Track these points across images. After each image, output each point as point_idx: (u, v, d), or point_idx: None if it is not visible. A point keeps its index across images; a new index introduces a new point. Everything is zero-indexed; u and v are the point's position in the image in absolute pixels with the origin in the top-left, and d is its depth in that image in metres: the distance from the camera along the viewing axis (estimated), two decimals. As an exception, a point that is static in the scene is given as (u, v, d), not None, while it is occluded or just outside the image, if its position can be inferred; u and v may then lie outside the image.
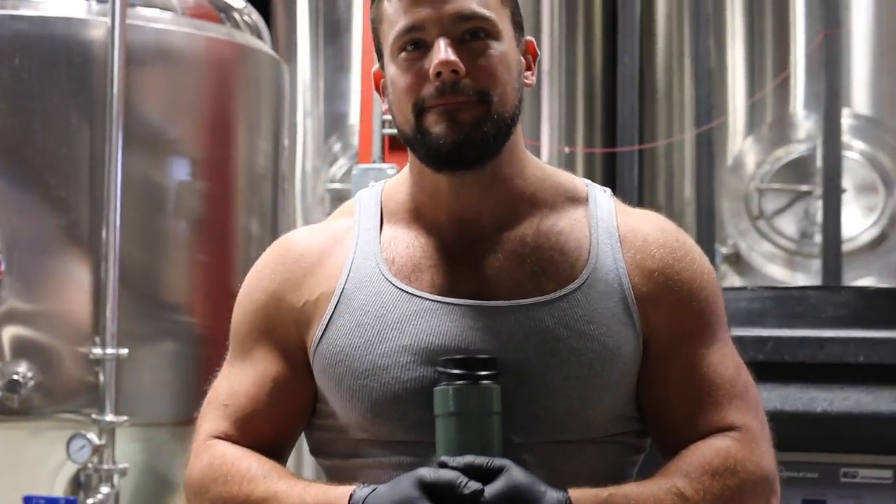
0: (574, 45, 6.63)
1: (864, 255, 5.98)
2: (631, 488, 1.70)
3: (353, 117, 6.16)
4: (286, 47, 6.39)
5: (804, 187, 6.08)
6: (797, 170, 6.13)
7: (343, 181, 6.05)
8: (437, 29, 1.73)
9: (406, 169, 1.88)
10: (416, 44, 1.75)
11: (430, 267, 1.80)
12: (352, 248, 1.84)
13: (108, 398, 3.87)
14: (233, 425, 1.83)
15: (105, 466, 3.86)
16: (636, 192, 5.90)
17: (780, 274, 6.13)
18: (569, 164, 6.52)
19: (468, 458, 1.62)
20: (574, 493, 1.65)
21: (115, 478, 3.88)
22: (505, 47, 1.76)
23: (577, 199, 1.85)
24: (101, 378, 3.88)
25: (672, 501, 1.68)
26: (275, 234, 4.72)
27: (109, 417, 3.85)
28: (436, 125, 1.72)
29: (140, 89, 4.09)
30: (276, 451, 1.83)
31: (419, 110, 1.74)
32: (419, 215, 1.84)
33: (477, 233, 1.81)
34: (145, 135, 4.12)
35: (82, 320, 3.97)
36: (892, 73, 6.01)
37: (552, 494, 1.63)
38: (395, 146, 4.71)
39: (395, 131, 4.63)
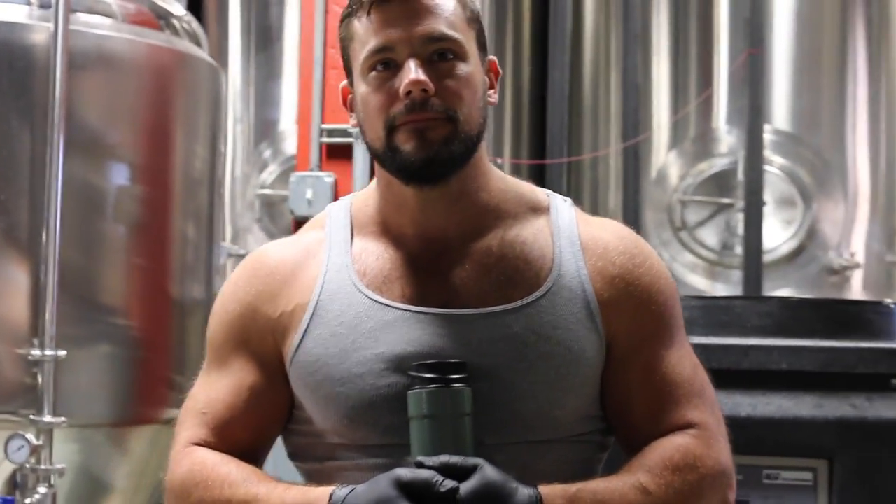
0: (502, 58, 6.71)
1: (782, 267, 6.12)
2: (597, 484, 1.77)
3: (284, 124, 6.21)
4: (217, 54, 6.42)
5: (726, 200, 6.21)
6: (719, 183, 6.26)
7: (273, 187, 6.10)
8: (406, 50, 1.80)
9: (374, 182, 1.93)
10: (385, 63, 1.81)
11: (399, 278, 1.85)
12: (324, 261, 1.89)
13: (46, 399, 3.88)
14: (211, 432, 1.87)
15: (42, 467, 3.87)
16: (563, 203, 6.00)
17: (701, 284, 6.26)
18: (496, 174, 6.61)
19: (443, 458, 1.69)
20: (544, 489, 1.72)
21: (53, 478, 3.89)
22: (471, 68, 1.83)
23: (539, 209, 1.91)
24: (40, 379, 3.88)
25: (636, 496, 1.76)
26: (211, 238, 4.77)
27: (47, 418, 3.86)
28: (406, 143, 1.79)
29: (81, 94, 4.11)
30: (253, 456, 1.87)
31: (390, 127, 1.80)
32: (387, 228, 1.90)
33: (444, 244, 1.87)
34: (85, 139, 4.14)
35: (21, 322, 3.98)
36: (812, 91, 6.16)
37: (523, 491, 1.70)
38: (332, 154, 4.79)
39: (333, 140, 4.74)
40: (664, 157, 6.32)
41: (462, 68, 1.82)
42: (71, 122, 4.03)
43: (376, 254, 1.89)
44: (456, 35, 1.83)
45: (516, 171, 6.73)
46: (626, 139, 6.16)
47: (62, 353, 3.93)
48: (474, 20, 1.88)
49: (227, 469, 1.82)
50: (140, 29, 4.40)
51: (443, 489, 1.66)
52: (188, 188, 4.59)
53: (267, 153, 6.22)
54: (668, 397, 1.85)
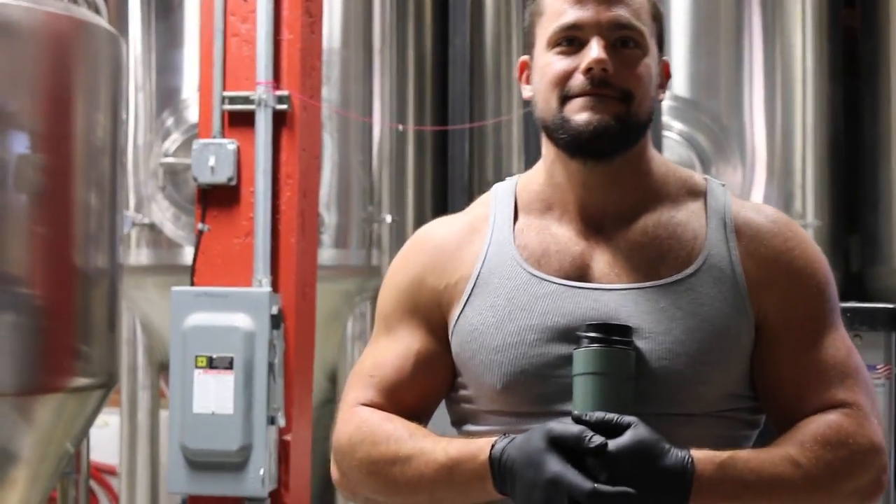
0: (405, 23, 6.74)
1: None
2: (749, 454, 1.83)
3: (186, 92, 6.17)
4: (117, 22, 6.36)
5: (626, 165, 6.30)
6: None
7: (177, 155, 6.06)
8: (594, 31, 1.89)
9: (540, 163, 2.02)
10: (570, 40, 1.90)
11: (557, 252, 1.94)
12: (488, 236, 1.99)
13: (-52, 369, 3.88)
14: (378, 393, 1.98)
15: (-54, 437, 3.87)
16: (466, 169, 6.05)
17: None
18: (400, 139, 6.64)
19: (599, 414, 1.76)
20: (696, 453, 1.77)
21: (-43, 448, 3.89)
22: (648, 60, 1.93)
23: (695, 193, 1.99)
24: (-58, 349, 3.88)
25: (786, 468, 1.81)
26: (114, 207, 4.76)
27: (-49, 388, 3.86)
28: (578, 113, 1.88)
29: (-21, 62, 4.09)
30: (416, 419, 1.97)
31: (563, 98, 1.89)
32: (549, 206, 1.99)
33: (601, 222, 1.95)
34: (-16, 108, 4.12)
35: (-79, 292, 3.97)
36: (709, 57, 6.25)
37: (675, 453, 1.75)
38: (234, 122, 4.78)
39: (235, 107, 4.73)
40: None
41: (640, 58, 1.92)
42: (-31, 91, 4.01)
43: (537, 229, 1.98)
44: (640, 26, 1.92)
45: (420, 136, 6.77)
46: (527, 105, 6.21)
47: (-36, 322, 3.92)
48: (657, 18, 1.98)
49: (392, 426, 1.93)
50: (38, -4, 4.37)
51: (591, 445, 1.72)
52: (90, 157, 4.58)
53: (169, 121, 6.18)
54: (820, 377, 1.90)
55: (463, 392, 1.98)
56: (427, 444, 1.88)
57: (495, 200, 2.04)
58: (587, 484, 1.70)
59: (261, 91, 4.73)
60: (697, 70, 6.28)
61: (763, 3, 6.29)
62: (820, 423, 1.86)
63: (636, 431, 1.74)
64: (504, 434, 1.83)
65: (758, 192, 6.24)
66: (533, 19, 1.98)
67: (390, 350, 2.00)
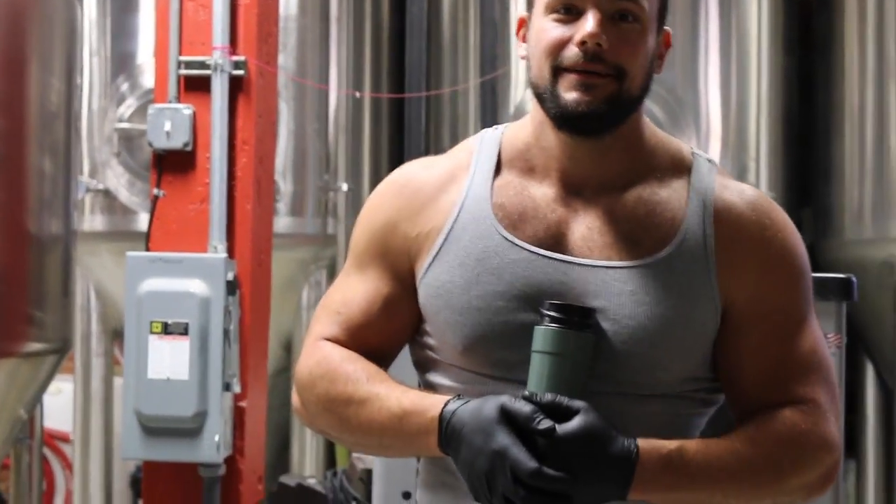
0: (362, -8, 6.73)
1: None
2: (696, 444, 1.83)
3: (142, 57, 6.14)
4: (72, -15, 6.31)
5: (582, 135, 6.32)
6: (575, 119, 6.35)
7: (132, 120, 6.04)
8: (592, 2, 1.85)
9: (528, 117, 1.98)
10: (568, 8, 1.86)
11: (534, 218, 1.92)
12: (465, 187, 1.96)
13: None
14: (343, 332, 1.98)
15: None
16: (423, 137, 6.06)
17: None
18: (356, 108, 6.63)
19: (550, 396, 1.76)
20: (642, 443, 1.77)
21: None
22: (647, 34, 1.88)
23: (681, 169, 1.95)
24: None
25: (732, 462, 1.81)
26: (68, 172, 4.73)
27: None
28: (569, 91, 1.85)
29: (-69, 24, 4.05)
30: (379, 360, 1.97)
31: (555, 68, 1.86)
32: (532, 166, 1.95)
33: (583, 193, 1.92)
34: (-64, 70, 4.08)
35: None
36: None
37: (621, 441, 1.75)
38: (190, 87, 4.76)
39: (191, 72, 4.71)
40: (522, 92, 6.40)
41: (638, 32, 1.87)
42: (-78, 53, 3.97)
43: (517, 189, 1.95)
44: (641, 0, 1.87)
45: (376, 105, 6.76)
46: (483, 74, 6.23)
47: (-84, 286, 3.90)
48: None
49: (353, 367, 1.93)
50: (-8, -41, 4.33)
51: (540, 427, 1.73)
52: (44, 121, 4.55)
53: (124, 87, 6.15)
54: (781, 370, 1.89)
55: (427, 339, 1.98)
56: (382, 390, 1.89)
57: (479, 148, 2.00)
58: (531, 463, 1.71)
59: (217, 56, 4.71)
60: (654, 41, 6.29)
61: (719, -25, 6.32)
62: (773, 419, 1.85)
63: (584, 417, 1.74)
64: (458, 396, 1.84)
65: (712, 164, 6.28)
66: None
67: (359, 290, 1.99)
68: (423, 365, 2.01)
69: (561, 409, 1.75)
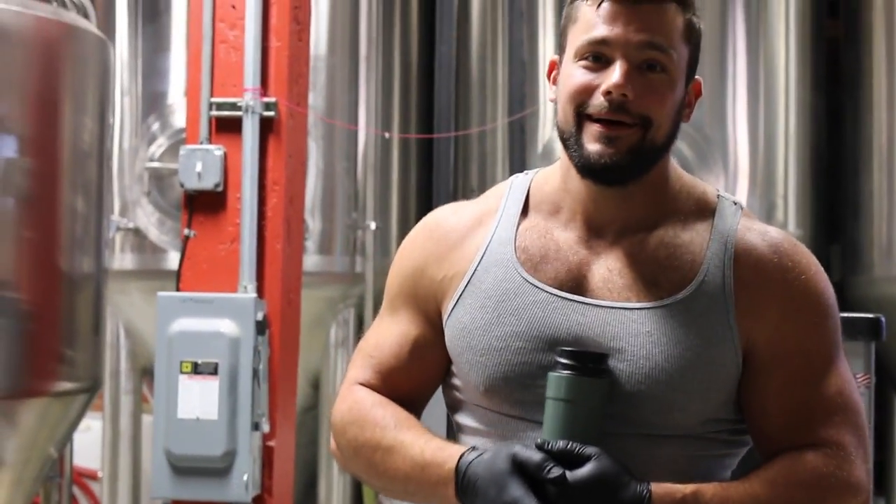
0: (391, 30, 6.76)
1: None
2: (714, 488, 1.82)
3: (172, 97, 6.18)
4: (104, 26, 6.37)
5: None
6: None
7: (162, 160, 6.08)
8: (620, 50, 1.86)
9: (558, 162, 2.00)
10: (597, 56, 1.87)
11: (556, 259, 1.94)
12: (491, 231, 1.99)
13: (-66, 373, 3.88)
14: (376, 375, 2.03)
15: (-68, 440, 3.87)
16: (451, 177, 6.07)
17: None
18: (385, 147, 6.66)
19: (562, 444, 1.78)
20: (656, 488, 1.78)
21: (-57, 451, 3.89)
22: (674, 84, 1.89)
23: (705, 212, 1.96)
24: (-72, 353, 3.88)
25: None
26: (100, 211, 4.77)
27: (-64, 391, 3.86)
28: (592, 142, 1.86)
29: (-33, 67, 4.09)
30: (411, 403, 2.01)
31: (580, 115, 1.87)
32: (558, 209, 1.98)
33: (606, 235, 1.94)
34: (-28, 112, 4.13)
35: None
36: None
37: (633, 486, 1.76)
38: (221, 128, 4.79)
39: (222, 113, 4.74)
40: (550, 132, 6.41)
41: (666, 82, 1.88)
42: (-43, 95, 4.01)
43: (541, 232, 1.97)
44: (670, 50, 1.88)
45: (405, 143, 6.79)
46: (512, 114, 6.25)
47: (-50, 326, 3.92)
48: (693, 41, 1.93)
49: (382, 412, 1.97)
50: (27, 0, 4.39)
51: (550, 476, 1.75)
52: (77, 161, 4.59)
53: (155, 126, 6.19)
54: (805, 412, 1.88)
55: (454, 380, 2.01)
56: (408, 438, 1.92)
57: (508, 193, 2.03)
58: None
59: (248, 97, 4.74)
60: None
61: (747, 13, 6.33)
62: (795, 461, 1.85)
63: (596, 464, 1.75)
64: (473, 448, 1.87)
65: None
66: (566, 23, 1.94)
67: (391, 333, 2.04)
68: (453, 406, 2.04)
69: (573, 456, 1.77)
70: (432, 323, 2.01)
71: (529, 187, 2.02)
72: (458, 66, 6.47)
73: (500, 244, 1.97)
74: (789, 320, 1.90)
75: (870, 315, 4.03)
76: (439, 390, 2.08)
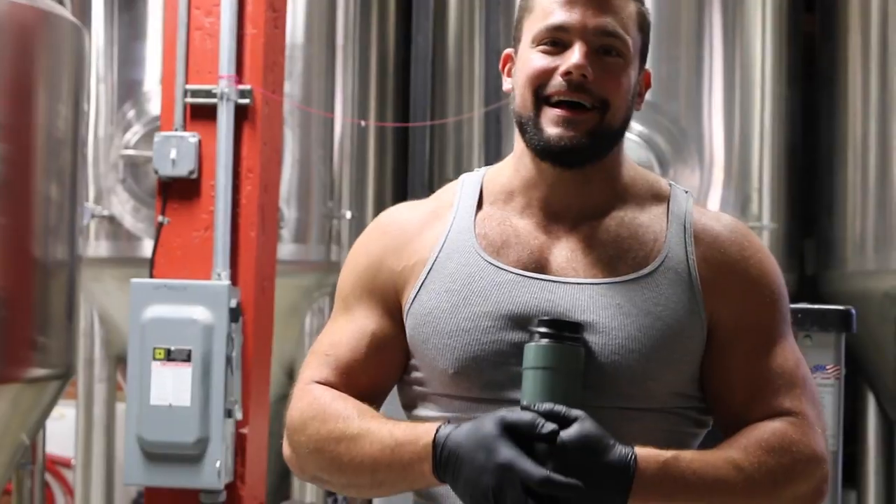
0: (368, 20, 6.76)
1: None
2: (691, 454, 1.85)
3: (148, 84, 6.17)
4: (80, 13, 6.35)
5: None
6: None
7: (137, 147, 6.07)
8: (578, 35, 1.91)
9: (508, 157, 2.04)
10: (554, 42, 1.92)
11: (517, 244, 1.96)
12: (449, 222, 2.00)
13: None
14: (333, 372, 1.99)
15: None
16: (427, 166, 6.08)
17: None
18: (361, 136, 6.66)
19: (548, 405, 1.78)
20: (639, 450, 1.79)
21: (-87, 437, 3.88)
22: (629, 70, 1.94)
23: (659, 197, 2.01)
24: None
25: (728, 471, 1.83)
26: (74, 198, 4.76)
27: None
28: (551, 126, 1.90)
29: (-59, 51, 4.08)
30: (370, 400, 1.97)
31: (539, 99, 1.91)
32: (513, 197, 2.00)
33: (564, 219, 1.97)
34: (-56, 97, 4.11)
35: None
36: (670, 60, 6.30)
37: (619, 448, 1.77)
38: (196, 115, 4.79)
39: (197, 100, 4.74)
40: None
41: (622, 67, 1.92)
42: (-70, 80, 4.00)
43: (499, 220, 1.99)
44: (626, 36, 1.93)
45: (381, 133, 6.79)
46: (488, 104, 6.26)
47: (-78, 311, 3.91)
48: (645, 29, 1.98)
49: (343, 404, 1.94)
50: (2, -14, 4.37)
51: (544, 430, 1.75)
52: (50, 148, 4.58)
53: (131, 114, 6.18)
54: (768, 385, 1.92)
55: (415, 374, 1.99)
56: (374, 425, 1.89)
57: (461, 189, 2.05)
58: (540, 471, 1.73)
59: (223, 85, 4.74)
60: (657, 73, 6.31)
61: (724, 8, 6.35)
62: (765, 430, 1.88)
63: (583, 425, 1.76)
64: (448, 421, 1.85)
65: (715, 195, 6.30)
66: (521, 14, 1.99)
67: (347, 330, 2.01)
68: (412, 403, 2.02)
69: (559, 417, 1.77)
70: (391, 315, 2.00)
71: (482, 183, 2.04)
72: (434, 57, 6.47)
73: (460, 233, 1.99)
74: (749, 297, 1.95)
75: (840, 307, 4.06)
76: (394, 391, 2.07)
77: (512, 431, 1.76)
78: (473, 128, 6.61)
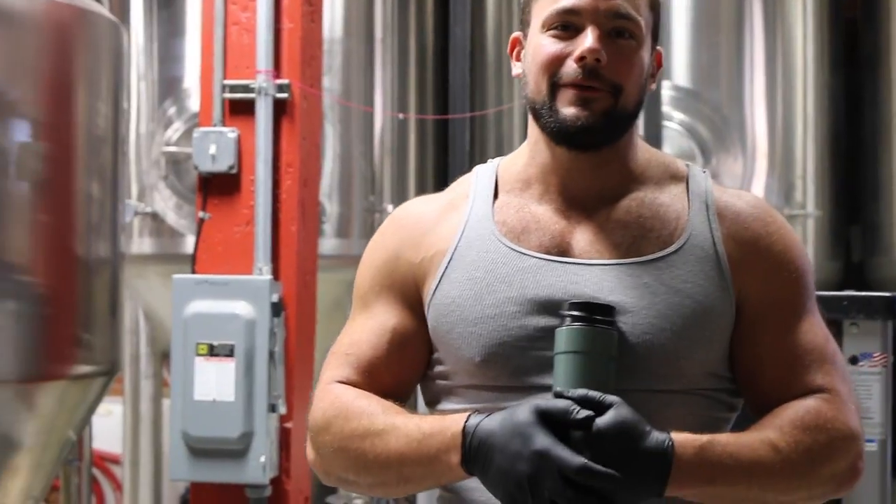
0: (406, 12, 6.75)
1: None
2: (727, 437, 1.82)
3: (188, 81, 6.19)
4: (119, 11, 6.38)
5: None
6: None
7: (179, 144, 6.09)
8: (590, 18, 1.88)
9: (522, 146, 2.02)
10: (566, 26, 1.90)
11: (537, 230, 1.94)
12: (466, 212, 1.98)
13: (-50, 356, 3.89)
14: (355, 372, 1.96)
15: (-51, 423, 3.89)
16: (467, 158, 6.06)
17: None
18: (401, 129, 6.65)
19: (582, 391, 1.75)
20: (676, 436, 1.77)
21: (-41, 434, 3.91)
22: (642, 51, 1.92)
23: (678, 177, 2.00)
24: (-56, 336, 3.90)
25: (765, 451, 1.80)
26: (115, 196, 4.78)
27: (-48, 375, 3.88)
28: (567, 106, 1.88)
29: (-20, 51, 4.10)
30: (394, 398, 1.93)
31: (553, 84, 1.88)
32: (529, 184, 1.98)
33: (583, 203, 1.95)
34: (-15, 96, 4.14)
35: (-76, 280, 3.99)
36: (710, 47, 6.27)
37: (656, 434, 1.75)
38: (235, 110, 4.80)
39: (235, 95, 4.75)
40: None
41: (634, 49, 1.91)
42: (-29, 80, 4.03)
43: (517, 207, 1.97)
44: (637, 17, 1.91)
45: (421, 126, 6.78)
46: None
47: (-34, 310, 3.94)
48: (655, 8, 1.97)
49: (366, 401, 1.91)
50: (40, -15, 4.39)
51: (579, 416, 1.72)
52: (91, 145, 4.59)
53: (171, 110, 6.20)
54: (799, 362, 1.90)
55: (439, 368, 1.96)
56: (399, 419, 1.86)
57: (476, 180, 2.03)
58: (578, 459, 1.69)
59: (261, 79, 4.75)
60: (698, 60, 6.29)
61: (764, -7, 6.30)
62: (799, 408, 1.86)
63: (619, 411, 1.73)
64: (477, 411, 1.82)
65: (759, 183, 6.26)
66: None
67: (366, 328, 1.98)
68: (435, 398, 1.99)
69: (595, 403, 1.74)
70: (412, 309, 1.97)
71: (497, 172, 2.02)
72: (473, 47, 6.45)
73: (479, 221, 1.96)
74: (775, 273, 1.93)
75: (887, 294, 4.03)
76: None
77: (546, 419, 1.72)
78: (514, 118, 6.59)
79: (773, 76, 6.31)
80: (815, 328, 1.93)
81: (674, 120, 6.18)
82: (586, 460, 1.70)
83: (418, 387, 2.04)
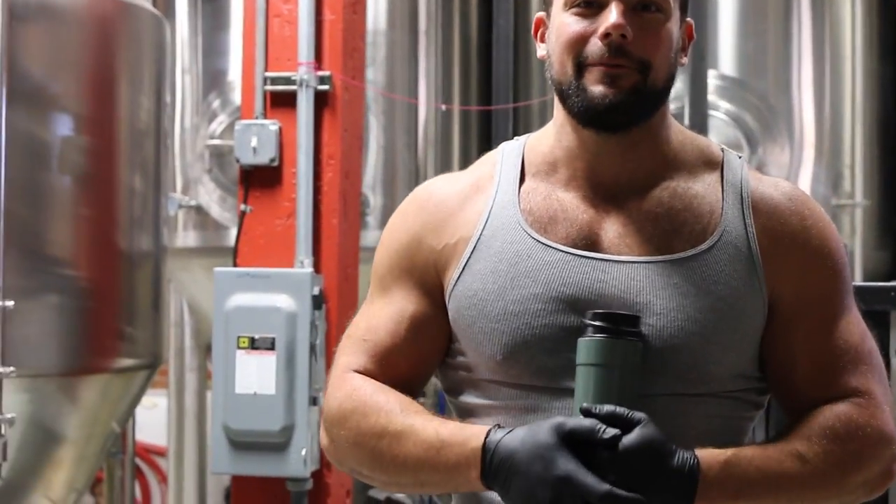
0: (450, 4, 6.72)
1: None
2: (753, 450, 1.77)
3: (232, 74, 6.19)
4: (164, 5, 6.40)
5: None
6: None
7: (223, 137, 6.09)
8: None
9: (550, 124, 1.93)
10: (589, 2, 1.80)
11: (564, 220, 1.85)
12: (491, 196, 1.89)
13: (-6, 349, 3.91)
14: (371, 359, 1.89)
15: (-8, 416, 3.91)
16: (511, 150, 6.02)
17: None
18: (445, 121, 6.63)
19: (609, 408, 1.69)
20: (700, 453, 1.71)
21: (3, 427, 3.93)
22: (670, 24, 1.82)
23: (712, 164, 1.90)
24: (-12, 330, 3.92)
25: (792, 463, 1.75)
26: (158, 189, 4.79)
27: (-4, 368, 3.90)
28: (595, 84, 1.79)
29: (23, 45, 4.12)
30: (409, 387, 1.89)
31: (579, 64, 1.80)
32: (555, 168, 1.89)
33: (613, 191, 1.86)
34: (28, 90, 4.15)
35: (-33, 274, 4.01)
36: (757, 37, 6.21)
37: (682, 454, 1.70)
38: (276, 103, 4.79)
39: (277, 88, 4.74)
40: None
41: (662, 23, 1.82)
42: (14, 74, 4.04)
43: (544, 194, 1.88)
44: None
45: (465, 117, 6.76)
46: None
47: (10, 303, 3.96)
48: None
49: (384, 398, 1.84)
50: (82, -21, 4.40)
51: (605, 436, 1.66)
52: (134, 139, 4.61)
53: (216, 104, 6.21)
54: (833, 362, 1.84)
55: (461, 359, 1.89)
56: (418, 421, 1.80)
57: (502, 160, 1.93)
58: (602, 486, 1.65)
59: (302, 71, 4.74)
60: (745, 49, 6.24)
61: (811, -20, 6.24)
62: (829, 416, 1.80)
63: (645, 430, 1.68)
64: (499, 426, 1.76)
65: (806, 172, 6.20)
66: None
67: (384, 313, 1.91)
68: (456, 388, 1.92)
69: (621, 420, 1.69)
70: (431, 296, 1.90)
71: (524, 152, 1.93)
72: (516, 38, 6.42)
73: (503, 207, 1.88)
74: (811, 269, 1.86)
75: (936, 285, 3.96)
76: None
77: (571, 440, 1.67)
78: (557, 109, 6.55)
79: (821, 64, 6.25)
80: (850, 326, 1.86)
81: (720, 109, 6.13)
82: (610, 486, 1.65)
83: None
